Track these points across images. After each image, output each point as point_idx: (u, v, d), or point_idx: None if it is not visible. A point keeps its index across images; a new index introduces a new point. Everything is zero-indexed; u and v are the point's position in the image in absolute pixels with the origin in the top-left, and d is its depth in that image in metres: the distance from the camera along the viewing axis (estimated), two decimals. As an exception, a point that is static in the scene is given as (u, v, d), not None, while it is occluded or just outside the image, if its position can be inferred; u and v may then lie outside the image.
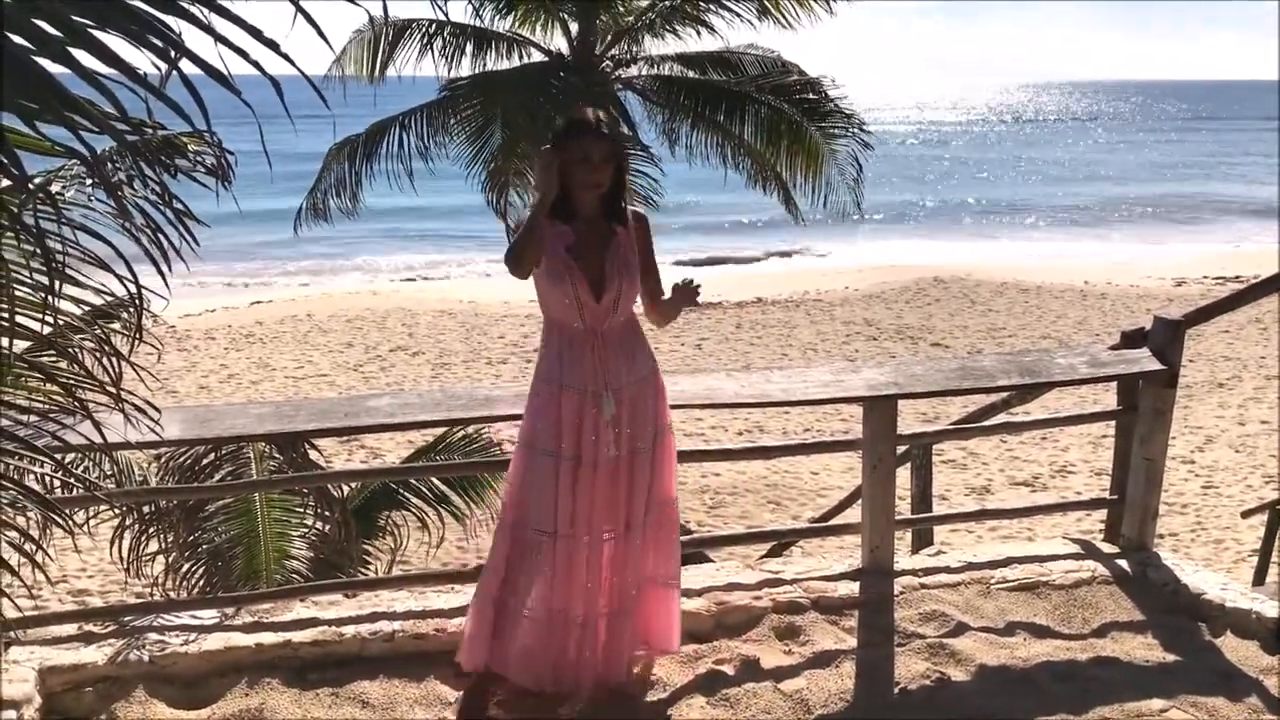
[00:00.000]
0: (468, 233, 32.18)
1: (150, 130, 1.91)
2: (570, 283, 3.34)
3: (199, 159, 2.26)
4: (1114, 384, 4.68)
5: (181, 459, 5.21)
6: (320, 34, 1.75)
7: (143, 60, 1.75)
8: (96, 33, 1.70)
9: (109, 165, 2.16)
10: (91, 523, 4.96)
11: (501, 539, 3.57)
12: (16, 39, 1.67)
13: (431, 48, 10.72)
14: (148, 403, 2.77)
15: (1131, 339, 4.50)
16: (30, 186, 1.70)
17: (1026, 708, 3.55)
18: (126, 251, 2.42)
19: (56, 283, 2.06)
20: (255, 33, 1.67)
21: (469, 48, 10.92)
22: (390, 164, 10.99)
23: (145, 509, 5.23)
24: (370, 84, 10.93)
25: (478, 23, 10.95)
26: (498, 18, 10.93)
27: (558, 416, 3.43)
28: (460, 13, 10.77)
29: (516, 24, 11.02)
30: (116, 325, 2.62)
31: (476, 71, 11.05)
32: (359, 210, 11.49)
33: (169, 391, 15.07)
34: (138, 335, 2.49)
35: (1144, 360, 4.35)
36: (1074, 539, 4.72)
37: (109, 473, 4.49)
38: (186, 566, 5.40)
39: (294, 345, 19.04)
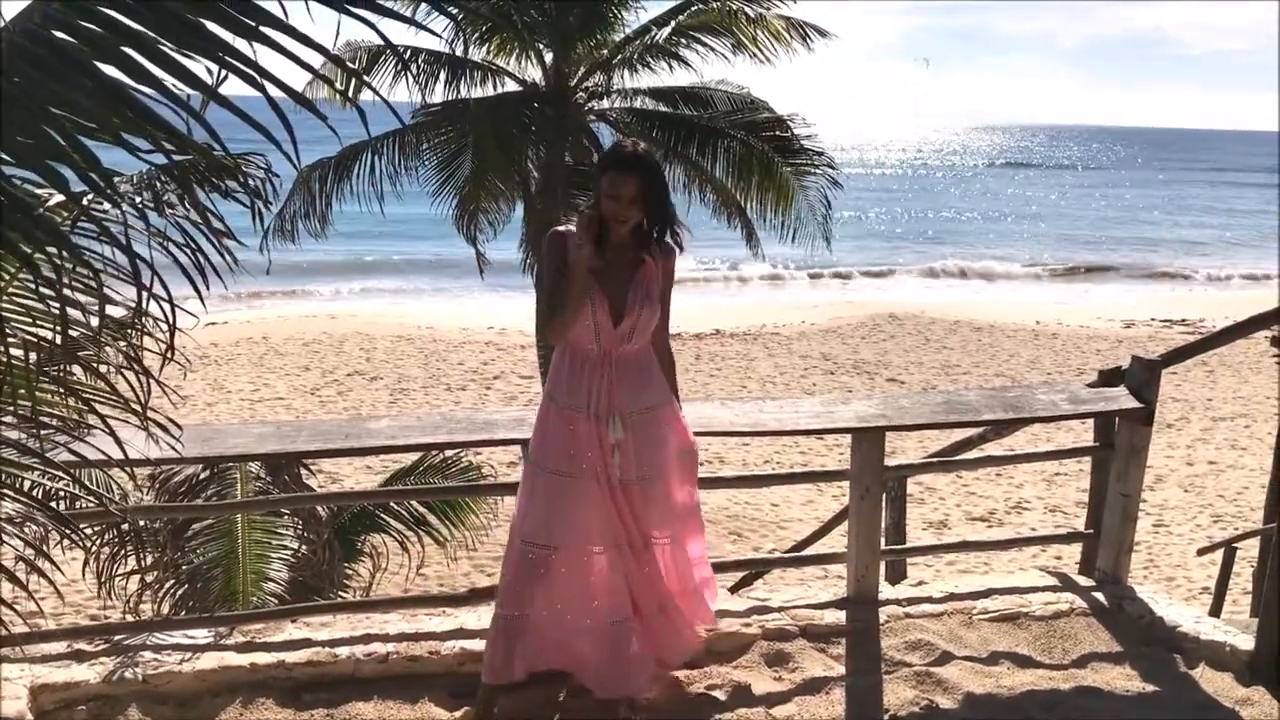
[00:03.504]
0: (428, 258, 32.11)
1: (208, 151, 1.95)
2: (591, 305, 3.40)
3: (244, 181, 2.30)
4: (1084, 421, 4.82)
5: (174, 477, 5.19)
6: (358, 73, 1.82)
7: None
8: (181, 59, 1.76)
9: (157, 183, 2.20)
10: (66, 541, 4.93)
11: (511, 555, 3.61)
12: (109, 69, 1.71)
13: (406, 74, 10.77)
14: (170, 420, 2.79)
15: (1108, 377, 4.64)
16: (117, 198, 1.73)
17: (1014, 735, 3.64)
18: (157, 267, 2.46)
19: (102, 302, 2.08)
20: (338, 61, 1.73)
21: (443, 75, 10.98)
22: (361, 188, 11.01)
23: (123, 527, 5.19)
24: (343, 108, 10.92)
25: (454, 51, 11.01)
26: (473, 46, 11.01)
27: (565, 436, 3.50)
28: (436, 40, 10.84)
29: (492, 53, 11.11)
30: (147, 341, 2.63)
31: (450, 98, 11.12)
32: (327, 233, 11.50)
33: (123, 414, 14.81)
34: (170, 352, 2.51)
35: (1122, 398, 4.48)
36: (1052, 571, 4.84)
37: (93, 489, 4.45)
38: (166, 586, 5.36)
39: (250, 368, 18.85)
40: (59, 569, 2.97)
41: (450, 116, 10.77)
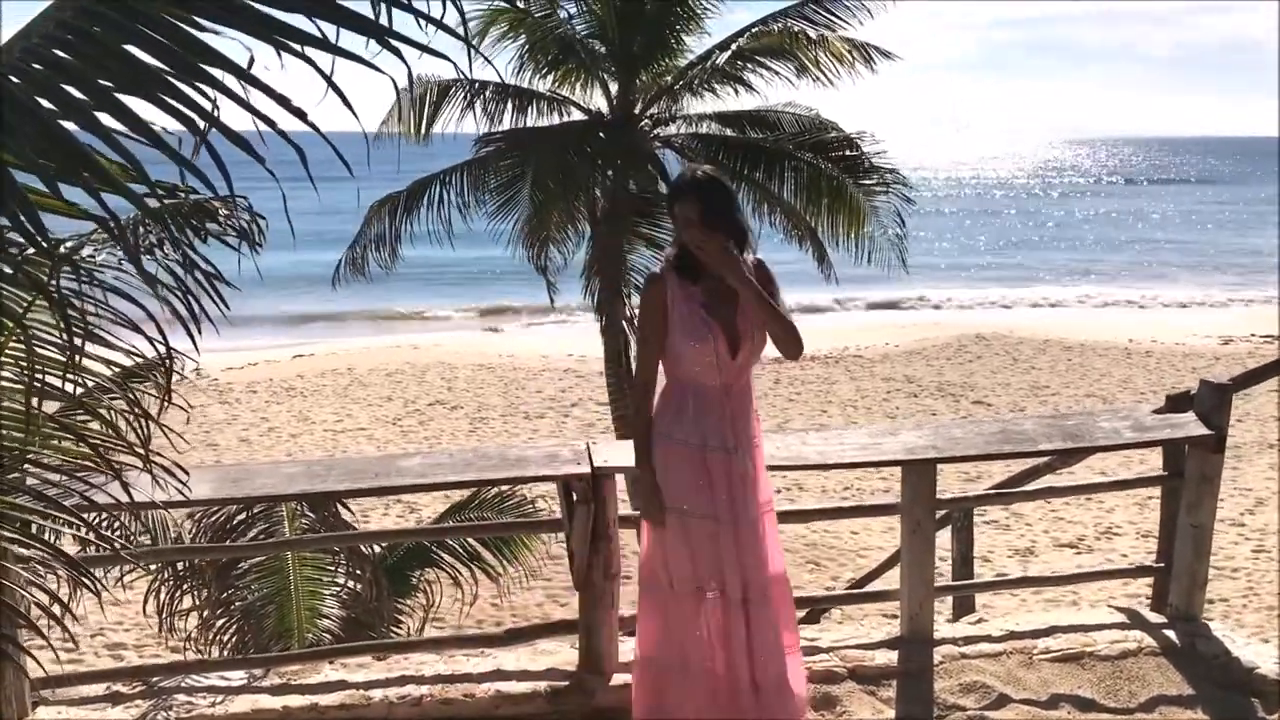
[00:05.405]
0: (507, 287, 32.34)
1: (182, 194, 1.91)
2: (712, 341, 3.34)
3: (229, 223, 2.26)
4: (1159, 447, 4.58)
5: (215, 517, 5.22)
6: (346, 104, 1.75)
7: (172, 124, 1.77)
8: (124, 98, 1.72)
9: (141, 229, 2.16)
10: (127, 579, 4.98)
11: (645, 599, 3.54)
12: (45, 103, 1.68)
13: (474, 107, 10.86)
14: (175, 464, 2.75)
15: (1176, 402, 4.40)
16: (56, 254, 1.69)
17: (1071, 786, 3.43)
18: (158, 313, 2.43)
19: (83, 344, 2.05)
20: (283, 101, 1.67)
21: (510, 106, 11.05)
22: (431, 220, 11.10)
23: (178, 566, 5.23)
24: (417, 142, 11.08)
25: (519, 82, 11.08)
26: (538, 78, 11.06)
27: (691, 473, 3.40)
28: (502, 72, 10.94)
29: (556, 84, 11.15)
30: (149, 386, 2.61)
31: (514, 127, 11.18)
32: (397, 266, 11.62)
33: (209, 444, 15.20)
34: (167, 397, 2.48)
35: (1189, 425, 4.24)
36: (1120, 608, 4.59)
37: (140, 531, 4.49)
38: (219, 624, 5.39)
39: (334, 399, 19.15)
40: (119, 604, 2.96)
41: (513, 145, 10.82)
